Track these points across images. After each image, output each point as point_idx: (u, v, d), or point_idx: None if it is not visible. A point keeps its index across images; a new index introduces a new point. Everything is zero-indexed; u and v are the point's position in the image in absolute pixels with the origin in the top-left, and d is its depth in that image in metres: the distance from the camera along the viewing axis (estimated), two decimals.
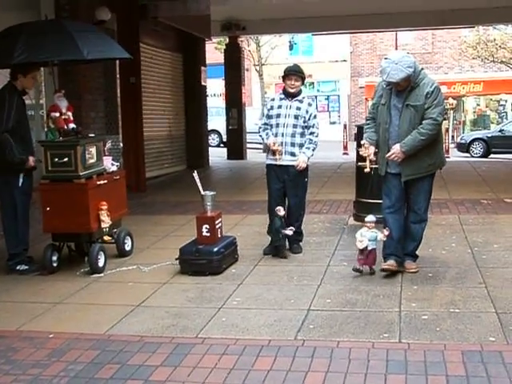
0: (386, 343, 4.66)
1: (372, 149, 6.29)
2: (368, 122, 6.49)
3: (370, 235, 6.23)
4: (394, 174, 6.28)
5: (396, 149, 6.09)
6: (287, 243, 7.31)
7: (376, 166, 6.44)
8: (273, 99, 7.50)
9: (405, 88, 6.06)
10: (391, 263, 6.25)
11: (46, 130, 7.32)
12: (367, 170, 6.28)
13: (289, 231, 7.05)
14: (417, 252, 6.55)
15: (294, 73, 7.22)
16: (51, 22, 7.62)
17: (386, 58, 6.04)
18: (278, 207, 7.07)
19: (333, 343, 4.68)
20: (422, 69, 6.18)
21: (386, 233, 6.21)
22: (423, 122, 6.04)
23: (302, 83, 7.33)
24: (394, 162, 6.19)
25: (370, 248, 6.22)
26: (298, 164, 7.14)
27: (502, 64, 26.14)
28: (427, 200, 6.42)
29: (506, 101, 35.28)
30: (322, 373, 4.19)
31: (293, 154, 7.18)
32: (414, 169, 6.18)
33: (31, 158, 6.84)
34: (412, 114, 6.06)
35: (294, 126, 7.18)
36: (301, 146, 7.21)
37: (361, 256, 6.27)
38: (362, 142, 6.42)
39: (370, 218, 6.33)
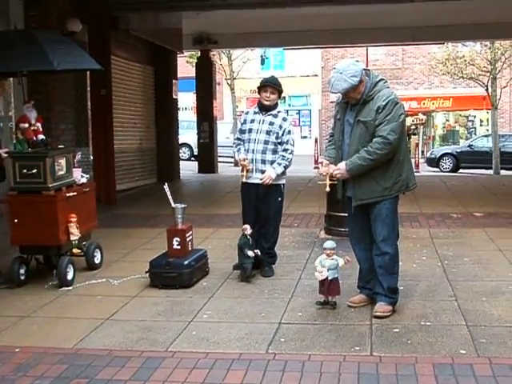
0: (357, 356, 4.64)
1: (332, 166, 5.61)
2: (329, 138, 5.92)
3: (329, 263, 5.61)
4: (350, 197, 5.69)
5: (341, 166, 5.53)
6: (252, 264, 6.77)
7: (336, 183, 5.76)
8: (247, 113, 7.12)
9: (358, 101, 5.48)
10: (355, 299, 5.82)
11: (14, 141, 7.23)
12: (327, 189, 5.63)
13: (251, 252, 6.66)
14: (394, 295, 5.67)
15: (269, 84, 6.83)
16: (21, 32, 7.57)
17: (334, 68, 5.49)
18: (245, 226, 6.77)
19: (304, 356, 4.66)
20: (382, 80, 5.55)
21: (349, 259, 5.71)
22: (373, 140, 5.39)
23: (279, 96, 6.94)
24: (349, 185, 5.63)
25: (330, 278, 5.62)
26: (263, 178, 6.75)
27: (471, 80, 26.46)
28: (387, 229, 5.55)
29: (474, 116, 35.72)
30: None
31: (263, 172, 6.78)
32: (367, 192, 5.52)
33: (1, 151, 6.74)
34: (362, 130, 5.44)
35: (266, 142, 6.79)
36: (272, 163, 6.80)
37: (322, 288, 5.71)
38: (320, 160, 5.92)
39: (329, 244, 5.68)
